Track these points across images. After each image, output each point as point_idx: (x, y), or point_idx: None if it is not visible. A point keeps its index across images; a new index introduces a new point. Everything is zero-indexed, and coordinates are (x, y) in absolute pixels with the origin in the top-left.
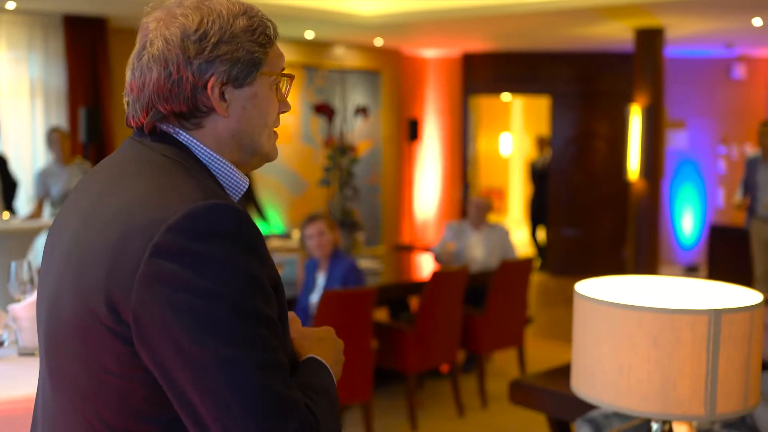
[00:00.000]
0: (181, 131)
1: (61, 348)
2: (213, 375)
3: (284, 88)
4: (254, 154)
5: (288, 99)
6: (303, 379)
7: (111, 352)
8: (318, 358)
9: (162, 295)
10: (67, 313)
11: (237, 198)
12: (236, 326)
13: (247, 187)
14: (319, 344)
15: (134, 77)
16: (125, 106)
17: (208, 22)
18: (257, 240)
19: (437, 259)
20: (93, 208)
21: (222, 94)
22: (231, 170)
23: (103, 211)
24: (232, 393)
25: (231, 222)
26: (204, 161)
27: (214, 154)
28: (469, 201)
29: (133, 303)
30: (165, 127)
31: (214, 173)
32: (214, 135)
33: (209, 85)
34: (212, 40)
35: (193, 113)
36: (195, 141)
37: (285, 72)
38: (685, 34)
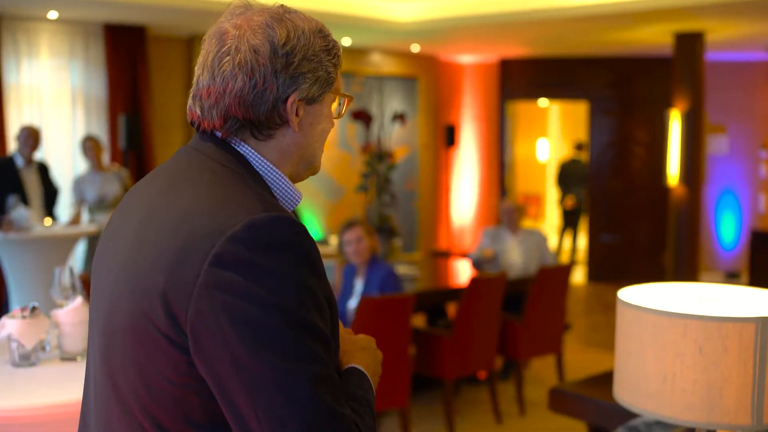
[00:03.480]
0: (240, 141)
1: (117, 353)
2: (266, 387)
3: (343, 108)
4: (309, 167)
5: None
6: (346, 387)
7: (168, 360)
8: (360, 368)
9: (220, 303)
10: (124, 320)
11: (289, 211)
12: (291, 339)
13: (300, 201)
14: (361, 353)
15: (214, 83)
16: (194, 108)
17: (294, 38)
18: (315, 254)
19: (475, 265)
20: (150, 216)
21: (296, 110)
22: (286, 183)
23: (162, 219)
24: (284, 405)
25: (291, 234)
26: (260, 172)
27: (272, 167)
28: (500, 208)
29: (191, 312)
30: (227, 137)
31: (269, 185)
32: (279, 147)
33: (289, 101)
34: (298, 57)
35: (268, 124)
36: (254, 152)
37: (344, 93)
38: (725, 37)
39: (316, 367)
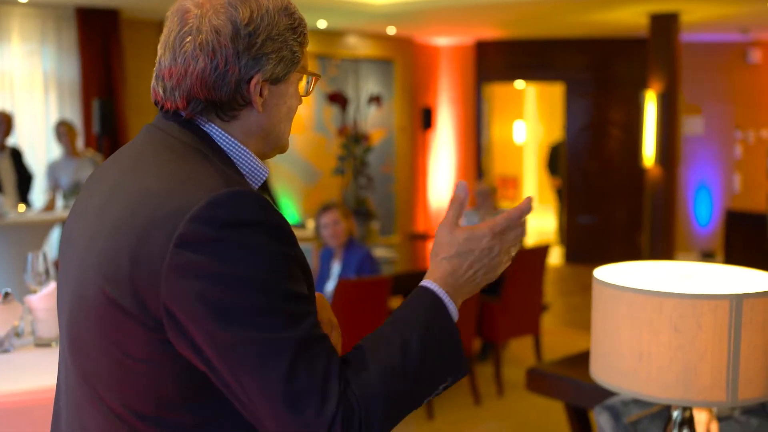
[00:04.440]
0: (206, 121)
1: (86, 338)
2: (250, 361)
3: (311, 86)
4: (275, 146)
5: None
6: (385, 339)
7: (137, 340)
8: (432, 288)
9: (190, 286)
10: (92, 303)
11: (257, 186)
12: (267, 309)
13: (266, 175)
14: (448, 263)
15: (175, 63)
16: (157, 88)
17: (257, 17)
18: (281, 224)
19: None
20: (112, 197)
21: (260, 90)
22: (252, 159)
23: (123, 200)
24: (270, 377)
25: (254, 209)
26: (225, 148)
27: (236, 142)
28: (475, 190)
29: (163, 296)
30: (191, 117)
31: (234, 161)
32: (244, 128)
33: (252, 82)
34: (261, 37)
35: (231, 105)
36: (218, 129)
37: (311, 70)
38: (700, 18)
39: (296, 332)
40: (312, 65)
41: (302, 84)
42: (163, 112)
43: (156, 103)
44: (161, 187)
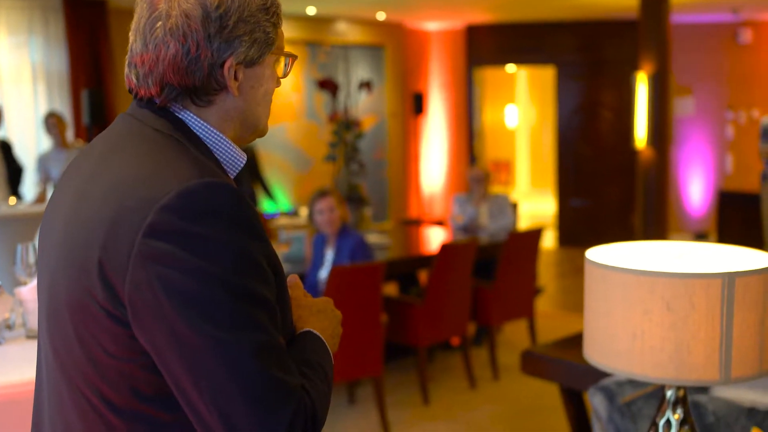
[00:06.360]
0: (181, 108)
1: (61, 329)
2: (205, 358)
3: (288, 67)
4: (253, 130)
5: (290, 76)
6: (299, 353)
7: (109, 334)
8: (314, 332)
9: (155, 275)
10: (66, 295)
11: (234, 174)
12: (230, 307)
13: (244, 163)
14: (317, 316)
15: (147, 50)
16: (131, 76)
17: None
18: (253, 218)
19: (462, 230)
20: (86, 187)
21: (235, 74)
22: (229, 146)
23: (97, 189)
24: (225, 377)
25: (225, 200)
26: (201, 136)
27: (213, 130)
28: (468, 176)
29: (128, 285)
30: (165, 104)
31: (212, 148)
32: (220, 112)
33: (226, 65)
34: (233, 19)
35: (206, 90)
36: (194, 116)
37: (287, 51)
38: None
39: (258, 335)
40: (301, 52)
41: (279, 66)
42: (138, 100)
43: (130, 91)
44: (132, 177)
